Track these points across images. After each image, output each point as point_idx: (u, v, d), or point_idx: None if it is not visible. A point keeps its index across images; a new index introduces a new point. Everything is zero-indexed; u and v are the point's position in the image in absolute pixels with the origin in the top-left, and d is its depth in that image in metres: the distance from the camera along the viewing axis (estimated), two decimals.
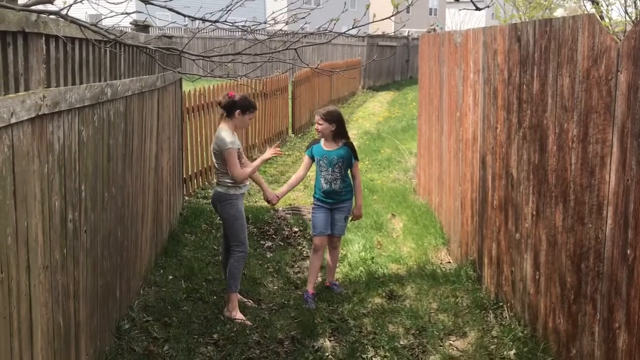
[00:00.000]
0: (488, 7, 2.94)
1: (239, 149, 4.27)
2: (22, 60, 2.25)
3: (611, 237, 2.84)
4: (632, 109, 2.63)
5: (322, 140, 4.67)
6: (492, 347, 3.81)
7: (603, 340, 2.95)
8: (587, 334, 3.11)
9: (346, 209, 4.70)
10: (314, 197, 4.75)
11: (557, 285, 3.42)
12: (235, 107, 4.24)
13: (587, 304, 3.11)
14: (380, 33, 21.43)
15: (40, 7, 2.44)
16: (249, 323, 4.15)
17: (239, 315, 4.21)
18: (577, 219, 3.16)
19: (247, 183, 4.43)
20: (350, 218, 4.79)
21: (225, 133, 4.22)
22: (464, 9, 3.31)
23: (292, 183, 4.75)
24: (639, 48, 2.56)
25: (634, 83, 2.61)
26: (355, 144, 11.13)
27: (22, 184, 2.25)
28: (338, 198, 4.64)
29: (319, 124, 4.61)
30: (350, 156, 4.65)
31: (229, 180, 4.26)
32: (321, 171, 4.64)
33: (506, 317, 4.10)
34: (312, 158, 4.71)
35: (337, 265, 5.00)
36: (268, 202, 4.61)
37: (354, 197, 4.76)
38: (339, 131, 4.62)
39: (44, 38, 2.45)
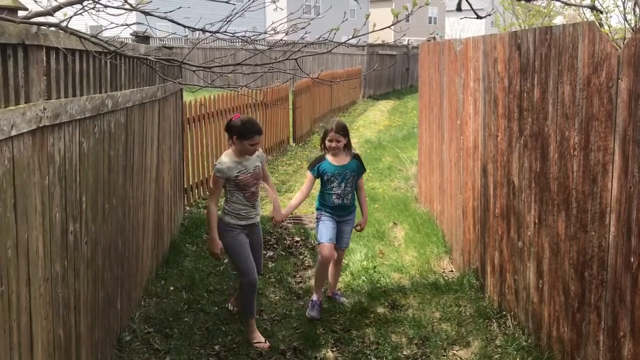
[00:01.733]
0: (489, 15, 2.95)
1: (237, 175, 3.98)
2: (22, 72, 2.25)
3: (614, 245, 2.83)
4: (633, 116, 2.62)
5: (328, 156, 4.48)
6: (496, 356, 3.78)
7: (608, 349, 2.93)
8: (591, 343, 3.09)
9: (352, 221, 4.60)
10: (318, 209, 4.57)
11: (560, 294, 3.40)
12: (231, 132, 3.97)
13: (591, 312, 3.09)
14: (380, 42, 21.49)
15: (40, 19, 2.45)
16: (267, 345, 3.98)
17: (256, 339, 4.03)
18: (580, 226, 3.15)
19: (255, 218, 4.14)
20: (357, 229, 4.67)
21: (225, 156, 4.05)
22: (465, 17, 3.32)
23: (295, 204, 4.51)
24: (639, 55, 2.56)
25: (635, 90, 2.60)
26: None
27: (22, 196, 2.25)
28: (347, 211, 4.53)
29: (337, 141, 4.39)
30: (360, 168, 4.54)
31: (226, 207, 4.07)
32: (332, 187, 4.44)
33: (510, 326, 4.08)
34: (317, 176, 4.50)
35: (340, 274, 4.92)
36: (273, 220, 4.42)
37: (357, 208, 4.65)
38: (348, 143, 4.50)
39: (44, 50, 2.46)
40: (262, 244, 4.34)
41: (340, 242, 4.54)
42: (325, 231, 4.45)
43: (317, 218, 4.60)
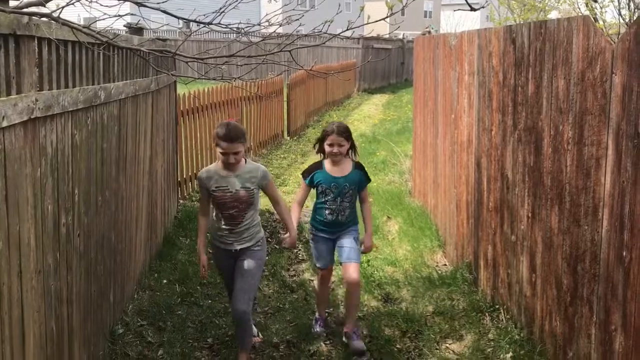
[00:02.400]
0: (483, 7, 2.94)
1: (215, 189, 3.49)
2: (13, 63, 2.23)
3: (607, 239, 2.84)
4: (626, 111, 2.63)
5: (327, 163, 3.90)
6: (489, 350, 3.80)
7: (600, 342, 2.94)
8: (583, 337, 3.10)
9: (353, 231, 3.99)
10: (312, 224, 4.03)
11: (553, 288, 3.42)
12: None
13: (583, 306, 3.10)
14: (375, 36, 21.45)
15: (32, 9, 2.42)
16: (259, 339, 3.93)
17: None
18: (573, 220, 3.16)
19: (233, 245, 3.58)
20: (362, 249, 4.01)
21: (213, 164, 3.66)
22: (459, 9, 3.31)
23: (297, 215, 3.97)
24: (633, 50, 2.56)
25: (629, 85, 2.60)
26: None
27: (14, 188, 2.23)
28: (342, 228, 3.95)
29: (339, 145, 3.79)
30: (362, 180, 3.93)
31: (213, 219, 3.69)
32: (326, 201, 3.87)
33: (502, 319, 4.09)
34: (312, 186, 3.95)
35: (357, 306, 4.09)
36: (283, 243, 3.87)
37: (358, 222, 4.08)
38: (352, 148, 3.93)
39: (36, 41, 2.43)
40: (252, 274, 3.58)
41: (341, 255, 3.89)
42: (320, 253, 3.99)
43: (310, 237, 4.11)
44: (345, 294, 4.03)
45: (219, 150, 3.44)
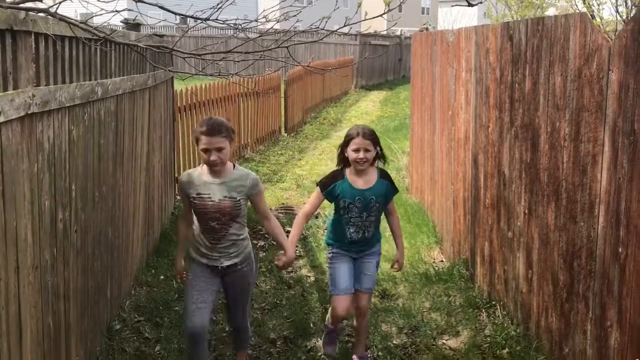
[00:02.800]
0: (481, 2, 2.94)
1: (195, 196, 3.08)
2: (10, 58, 2.23)
3: (603, 236, 2.85)
4: (623, 108, 2.63)
5: (349, 173, 3.42)
6: (485, 345, 3.81)
7: (595, 338, 2.96)
8: (579, 332, 3.12)
9: (377, 253, 3.58)
10: (329, 244, 3.57)
11: (549, 284, 3.43)
12: None
13: (579, 302, 3.11)
14: (373, 32, 21.44)
15: (29, 4, 2.42)
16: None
17: None
18: (569, 217, 3.17)
19: (217, 261, 3.17)
20: (394, 268, 3.69)
21: (198, 168, 3.22)
22: (456, 4, 3.31)
23: (297, 235, 3.46)
24: (630, 47, 2.57)
25: (625, 82, 2.61)
26: None
27: (11, 183, 2.23)
28: (369, 245, 3.54)
29: (366, 150, 3.30)
30: (389, 191, 3.50)
31: (195, 229, 3.25)
32: (350, 217, 3.41)
33: (499, 315, 4.11)
34: (330, 200, 3.46)
35: (367, 331, 3.79)
36: (277, 261, 3.30)
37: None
38: (378, 155, 3.46)
39: (33, 36, 2.43)
40: (245, 293, 3.32)
41: (361, 283, 3.51)
42: (339, 278, 3.46)
43: (328, 258, 3.60)
44: (356, 318, 3.64)
45: (200, 147, 3.02)
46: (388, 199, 3.51)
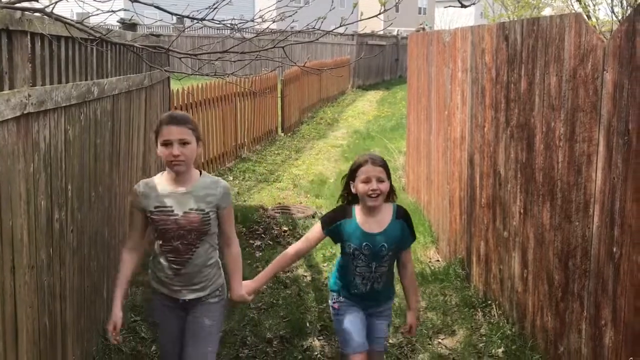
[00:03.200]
0: (473, 4, 2.95)
1: (153, 210, 2.58)
2: (6, 58, 2.23)
3: (598, 235, 2.86)
4: (617, 108, 2.65)
5: (358, 211, 2.80)
6: (481, 345, 3.82)
7: (590, 337, 2.97)
8: (574, 332, 3.13)
9: (387, 315, 3.02)
10: (334, 290, 2.98)
11: (544, 283, 3.44)
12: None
13: (574, 301, 3.12)
14: (369, 32, 21.46)
15: (24, 4, 2.42)
16: None
17: None
18: (565, 217, 3.18)
19: (183, 294, 2.65)
20: (404, 331, 3.06)
21: (155, 177, 2.70)
22: (450, 6, 3.33)
23: (276, 269, 2.92)
24: (624, 47, 2.58)
25: (620, 82, 2.62)
26: (344, 143, 11.34)
27: (6, 183, 2.23)
28: (378, 302, 2.94)
29: (379, 180, 2.70)
30: (406, 236, 2.85)
31: (155, 252, 2.72)
32: (356, 265, 2.80)
33: (494, 315, 4.12)
34: (334, 238, 2.89)
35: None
36: (231, 298, 2.78)
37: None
38: (391, 189, 2.82)
39: (29, 36, 2.43)
40: (209, 337, 2.68)
41: (371, 343, 2.91)
42: (351, 334, 2.85)
43: (332, 307, 2.99)
44: None
45: (160, 141, 2.54)
46: (403, 245, 2.85)
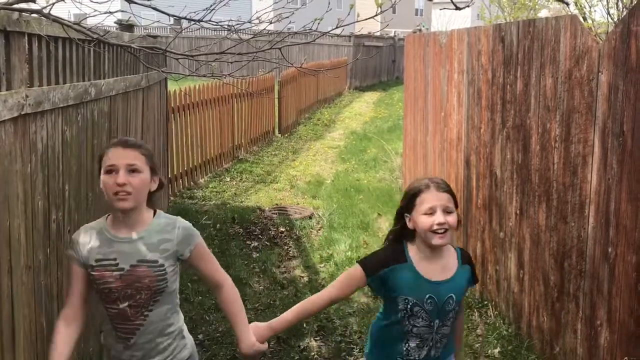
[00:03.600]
0: (468, 6, 2.97)
1: (94, 264, 2.02)
2: (3, 59, 2.24)
3: (593, 236, 2.88)
4: (612, 109, 2.66)
5: (414, 253, 2.18)
6: (477, 345, 3.84)
7: (585, 337, 2.98)
8: (570, 332, 3.14)
9: None
10: (371, 356, 2.32)
11: (540, 284, 3.46)
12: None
13: (570, 301, 3.14)
14: (367, 33, 21.49)
15: (22, 5, 2.42)
16: None
17: None
18: (560, 217, 3.19)
19: (132, 345, 2.07)
20: None
21: (94, 223, 2.14)
22: (444, 8, 3.34)
23: (300, 315, 2.27)
24: (619, 49, 2.59)
25: (615, 83, 2.64)
26: (341, 144, 11.36)
27: (4, 184, 2.23)
28: None
29: (447, 211, 2.11)
30: (471, 283, 2.32)
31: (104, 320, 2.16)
32: (413, 325, 2.17)
33: (491, 315, 4.13)
34: (377, 289, 2.25)
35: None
36: (240, 352, 2.23)
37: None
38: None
39: (26, 37, 2.44)
40: None
41: None
42: None
43: None
44: None
45: (104, 169, 2.02)
46: (465, 290, 2.29)
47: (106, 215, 2.14)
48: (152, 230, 2.07)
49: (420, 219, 2.12)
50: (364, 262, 2.23)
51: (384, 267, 2.17)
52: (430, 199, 2.12)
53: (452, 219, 2.12)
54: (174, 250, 2.07)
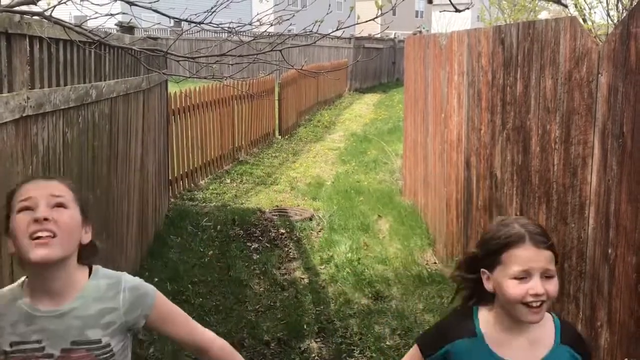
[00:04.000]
0: (467, 9, 2.98)
1: (8, 350, 1.46)
2: (5, 61, 2.24)
3: (593, 237, 2.88)
4: (612, 111, 2.67)
5: (485, 320, 1.66)
6: None
7: None
8: None
9: None
10: None
11: None
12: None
13: (570, 302, 3.14)
14: (367, 35, 21.51)
15: (23, 7, 2.43)
16: None
17: None
18: (560, 218, 3.20)
19: None
20: None
21: (9, 288, 1.58)
22: (444, 10, 3.35)
23: None
24: (619, 50, 2.60)
25: (614, 85, 2.64)
26: (341, 145, 11.37)
27: (4, 185, 2.24)
28: None
29: (547, 274, 1.58)
30: None
31: None
32: None
33: None
34: None
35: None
36: None
37: None
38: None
39: (27, 39, 2.44)
40: None
41: None
42: None
43: None
44: None
45: (16, 209, 1.47)
46: None
47: (22, 279, 1.54)
48: (89, 297, 1.51)
49: (508, 285, 1.55)
50: (422, 340, 1.77)
51: (444, 342, 1.65)
52: (526, 258, 1.54)
53: (552, 287, 1.56)
54: (121, 322, 1.53)
